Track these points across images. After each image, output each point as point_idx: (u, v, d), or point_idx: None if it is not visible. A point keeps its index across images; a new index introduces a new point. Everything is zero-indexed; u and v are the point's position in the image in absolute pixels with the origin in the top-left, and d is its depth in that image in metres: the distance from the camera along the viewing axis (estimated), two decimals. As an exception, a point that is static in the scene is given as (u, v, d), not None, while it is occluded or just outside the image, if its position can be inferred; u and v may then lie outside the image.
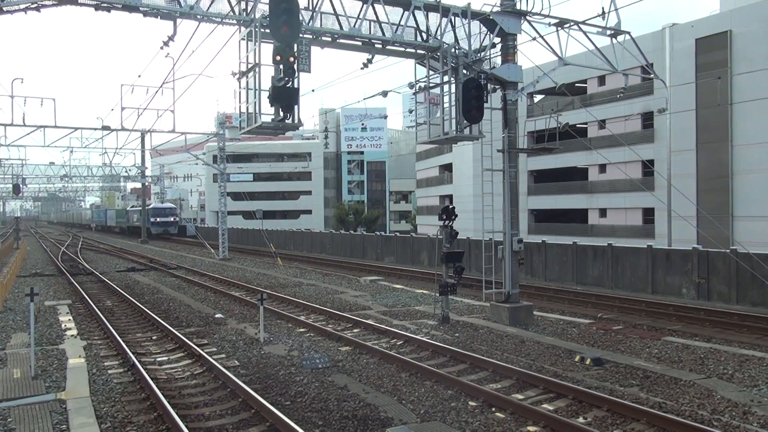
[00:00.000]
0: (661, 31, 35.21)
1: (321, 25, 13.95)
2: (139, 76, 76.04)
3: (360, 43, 14.91)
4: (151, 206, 64.33)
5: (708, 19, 34.16)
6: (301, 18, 12.55)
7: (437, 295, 15.64)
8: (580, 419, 8.44)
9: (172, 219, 65.30)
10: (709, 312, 16.22)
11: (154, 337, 14.30)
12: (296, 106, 12.29)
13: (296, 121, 12.52)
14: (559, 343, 13.05)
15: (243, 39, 12.71)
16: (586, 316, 16.56)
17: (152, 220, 62.55)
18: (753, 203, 30.87)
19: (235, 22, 13.29)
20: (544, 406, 8.97)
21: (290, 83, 11.84)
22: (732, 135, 32.00)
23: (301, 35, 12.64)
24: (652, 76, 18.01)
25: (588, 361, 11.29)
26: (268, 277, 26.82)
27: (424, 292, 20.76)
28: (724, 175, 32.29)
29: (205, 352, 11.98)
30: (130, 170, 60.52)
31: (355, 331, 14.64)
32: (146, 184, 64.08)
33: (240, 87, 12.85)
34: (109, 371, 11.10)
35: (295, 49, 11.91)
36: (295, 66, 11.83)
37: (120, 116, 28.06)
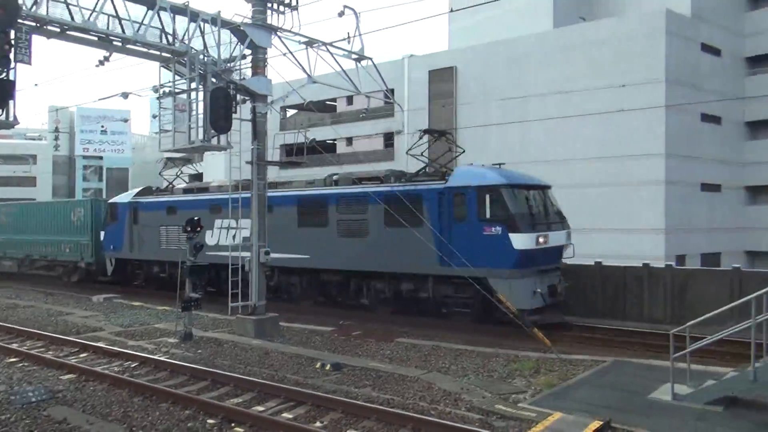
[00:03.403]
0: (401, 60, 38.82)
1: (47, 12, 12.40)
2: None
3: (96, 38, 13.59)
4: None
5: (439, 54, 38.58)
6: (21, 1, 11.09)
7: (180, 311, 14.93)
8: (317, 424, 8.79)
9: None
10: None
11: None
12: (12, 101, 10.81)
13: (11, 119, 11.01)
14: (302, 351, 13.43)
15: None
16: (329, 323, 17.29)
17: None
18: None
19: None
20: (284, 414, 9.13)
21: (4, 74, 10.35)
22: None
23: (20, 21, 11.17)
24: (392, 100, 19.70)
25: (328, 367, 11.84)
26: (-28, 299, 22.73)
27: (167, 308, 19.60)
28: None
29: None
30: None
31: (81, 356, 13.18)
32: None
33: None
34: None
35: (12, 36, 10.55)
36: (11, 55, 10.45)
37: None
